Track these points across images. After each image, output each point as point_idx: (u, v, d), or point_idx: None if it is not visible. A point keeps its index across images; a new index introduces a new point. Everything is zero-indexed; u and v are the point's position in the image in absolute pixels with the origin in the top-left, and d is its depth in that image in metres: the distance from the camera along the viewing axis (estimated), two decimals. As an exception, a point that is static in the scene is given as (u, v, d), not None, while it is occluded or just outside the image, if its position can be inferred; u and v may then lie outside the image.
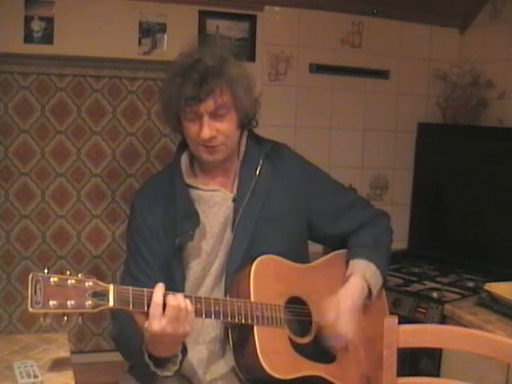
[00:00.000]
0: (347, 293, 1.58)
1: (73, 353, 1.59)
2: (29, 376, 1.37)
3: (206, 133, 1.51)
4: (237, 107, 1.56)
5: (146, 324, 1.31)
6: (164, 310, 1.30)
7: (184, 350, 1.42)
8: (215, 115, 1.52)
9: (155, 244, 1.56)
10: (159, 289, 1.32)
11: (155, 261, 1.56)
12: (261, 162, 1.63)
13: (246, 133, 1.66)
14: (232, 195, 1.61)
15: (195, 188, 1.61)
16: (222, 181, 1.63)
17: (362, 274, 1.61)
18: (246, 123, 1.64)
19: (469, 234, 2.65)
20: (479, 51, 2.79)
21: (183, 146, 1.66)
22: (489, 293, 2.03)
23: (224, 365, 1.55)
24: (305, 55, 2.69)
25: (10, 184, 2.37)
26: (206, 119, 1.51)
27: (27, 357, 1.50)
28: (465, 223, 2.67)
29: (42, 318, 1.21)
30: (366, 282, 1.61)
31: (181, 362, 1.41)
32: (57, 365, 1.47)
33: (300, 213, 1.67)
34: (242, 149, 1.65)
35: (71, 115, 2.42)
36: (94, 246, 2.50)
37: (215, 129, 1.52)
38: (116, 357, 1.62)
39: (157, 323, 1.29)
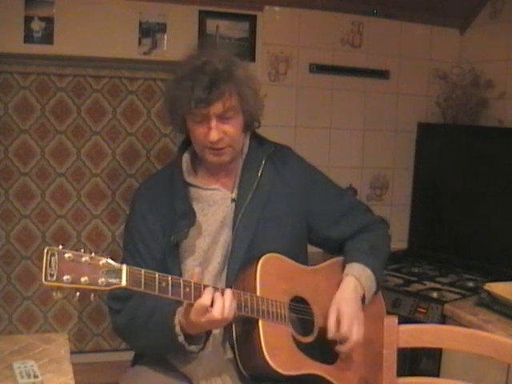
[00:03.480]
0: (344, 296, 1.58)
1: (73, 353, 1.59)
2: (29, 376, 1.37)
3: (214, 135, 1.51)
4: (244, 110, 1.57)
5: (193, 314, 1.34)
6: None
7: (209, 331, 1.45)
8: (223, 117, 1.52)
9: (153, 243, 1.58)
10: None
11: (153, 259, 1.57)
12: (263, 162, 1.64)
13: (248, 134, 1.67)
14: (232, 195, 1.61)
15: (195, 186, 1.62)
16: (224, 181, 1.64)
17: (358, 276, 1.62)
18: (250, 125, 1.64)
19: (469, 233, 2.64)
20: (479, 51, 2.79)
21: (185, 144, 1.67)
22: (489, 293, 2.03)
23: (224, 361, 1.55)
24: (305, 55, 2.69)
25: (10, 184, 2.37)
26: (213, 122, 1.51)
27: (27, 357, 1.50)
28: (465, 223, 2.67)
29: (54, 293, 1.20)
30: (360, 284, 1.61)
31: (205, 342, 1.45)
32: (57, 365, 1.47)
33: (300, 214, 1.67)
34: (245, 149, 1.66)
35: (71, 115, 2.42)
36: (94, 246, 2.49)
37: (222, 131, 1.53)
38: (116, 357, 1.62)
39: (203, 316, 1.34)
